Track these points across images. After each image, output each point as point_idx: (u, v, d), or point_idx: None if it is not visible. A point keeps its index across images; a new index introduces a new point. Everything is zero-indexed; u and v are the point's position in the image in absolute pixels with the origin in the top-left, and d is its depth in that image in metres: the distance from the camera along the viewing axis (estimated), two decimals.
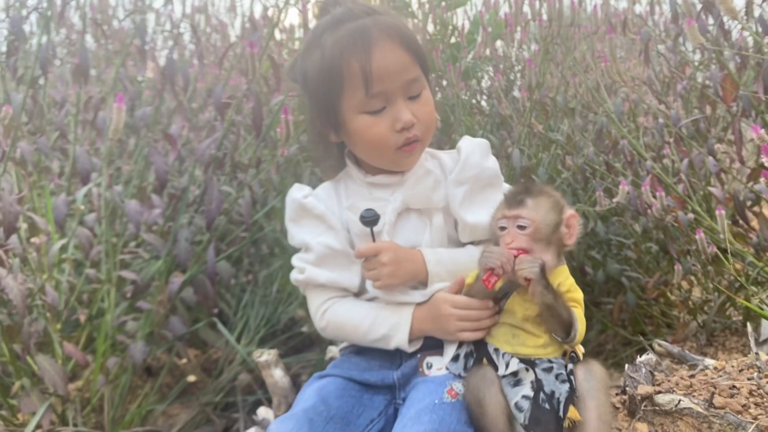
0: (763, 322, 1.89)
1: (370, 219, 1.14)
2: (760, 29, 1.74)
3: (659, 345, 1.58)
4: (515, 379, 1.03)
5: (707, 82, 2.11)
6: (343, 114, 1.18)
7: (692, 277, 2.31)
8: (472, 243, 1.23)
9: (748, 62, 1.81)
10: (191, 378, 2.04)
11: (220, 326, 1.84)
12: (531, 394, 1.00)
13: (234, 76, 2.16)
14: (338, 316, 1.23)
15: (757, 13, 1.71)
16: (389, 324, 1.17)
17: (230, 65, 2.09)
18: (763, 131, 1.20)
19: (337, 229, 1.23)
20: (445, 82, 2.56)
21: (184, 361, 2.10)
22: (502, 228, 1.08)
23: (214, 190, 1.74)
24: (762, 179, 1.22)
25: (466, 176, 1.20)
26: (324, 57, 1.17)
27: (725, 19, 1.82)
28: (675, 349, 1.56)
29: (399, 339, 1.16)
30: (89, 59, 1.66)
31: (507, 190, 1.15)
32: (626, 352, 2.40)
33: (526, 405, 1.00)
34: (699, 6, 1.72)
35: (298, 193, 1.27)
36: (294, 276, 1.26)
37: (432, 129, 1.22)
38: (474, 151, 1.23)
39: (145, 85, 2.56)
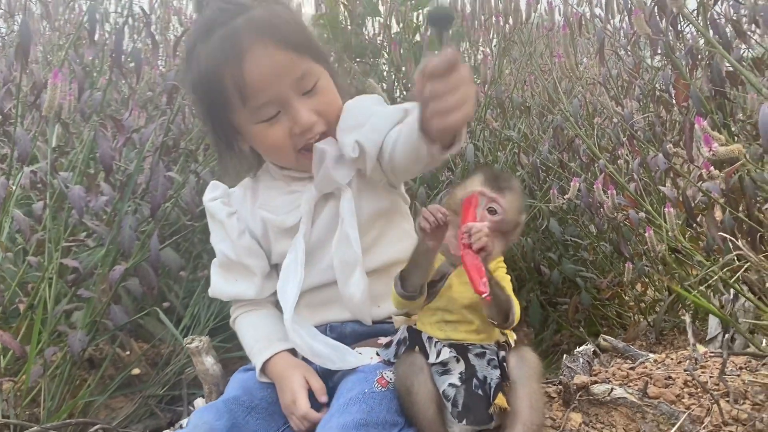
0: (710, 320, 1.90)
1: (439, 17, 0.84)
2: (710, 30, 1.76)
3: (604, 340, 1.58)
4: (444, 368, 1.00)
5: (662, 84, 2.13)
6: (239, 127, 1.14)
7: (645, 278, 2.33)
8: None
9: (700, 63, 1.84)
10: (136, 370, 1.99)
11: (162, 317, 1.79)
12: (458, 383, 0.98)
13: None
14: (238, 332, 1.24)
15: (708, 13, 1.73)
16: (255, 360, 1.16)
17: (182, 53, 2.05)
18: (705, 123, 1.21)
19: (233, 238, 1.20)
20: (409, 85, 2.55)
21: (129, 352, 2.04)
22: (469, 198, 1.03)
23: (160, 177, 1.70)
24: (704, 171, 1.22)
25: (351, 122, 1.10)
26: (200, 73, 1.10)
27: (679, 18, 1.84)
28: (620, 344, 1.56)
29: (257, 370, 1.15)
30: (30, 37, 1.61)
31: (485, 169, 1.09)
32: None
33: (452, 393, 0.97)
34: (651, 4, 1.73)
35: (208, 194, 1.25)
36: (210, 289, 1.27)
37: (336, 117, 1.13)
38: (362, 100, 1.14)
39: (100, 71, 2.51)
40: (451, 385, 0.98)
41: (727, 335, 1.41)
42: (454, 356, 1.00)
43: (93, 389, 1.82)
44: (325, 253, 1.14)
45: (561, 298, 2.56)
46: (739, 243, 1.11)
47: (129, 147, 2.09)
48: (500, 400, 0.97)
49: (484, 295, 0.91)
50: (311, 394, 1.08)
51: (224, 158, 1.23)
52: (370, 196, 1.15)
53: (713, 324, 1.90)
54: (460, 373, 0.99)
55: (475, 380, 0.98)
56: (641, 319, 2.24)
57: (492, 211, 1.04)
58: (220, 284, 1.24)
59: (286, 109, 1.09)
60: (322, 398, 1.06)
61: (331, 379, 1.11)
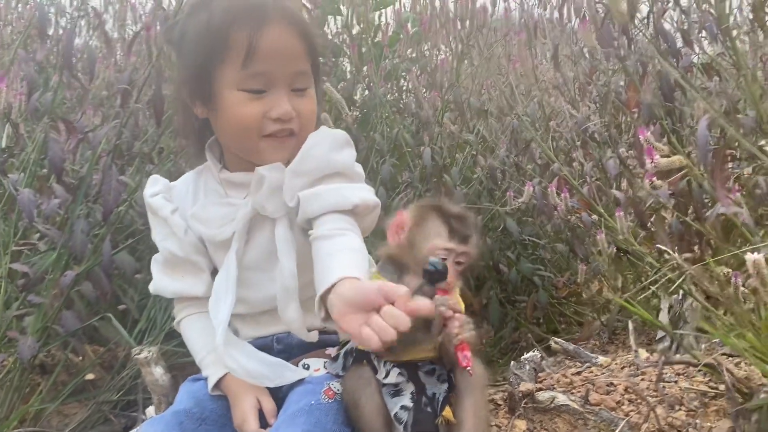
0: (660, 318, 1.95)
1: (435, 273, 0.94)
2: (661, 40, 1.80)
3: (555, 342, 1.62)
4: (395, 389, 1.01)
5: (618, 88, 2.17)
6: (217, 86, 1.09)
7: (602, 277, 2.38)
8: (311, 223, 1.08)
9: (651, 70, 1.88)
10: (90, 375, 1.96)
11: (115, 323, 1.77)
12: (410, 405, 0.99)
13: (144, 64, 2.09)
14: (185, 335, 1.22)
15: (657, 22, 1.77)
16: (207, 372, 1.15)
17: (137, 51, 2.02)
18: (650, 134, 1.24)
19: (179, 235, 1.16)
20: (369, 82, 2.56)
21: (82, 358, 2.01)
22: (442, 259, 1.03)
23: (112, 180, 1.68)
24: (647, 182, 1.25)
25: (304, 167, 1.09)
26: (211, 21, 1.08)
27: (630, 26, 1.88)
28: (570, 346, 1.59)
29: (210, 384, 1.14)
30: None
31: (445, 212, 1.07)
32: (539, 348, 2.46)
33: (404, 417, 0.99)
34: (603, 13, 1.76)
35: (149, 189, 1.21)
36: (150, 285, 1.23)
37: (310, 129, 1.13)
38: (321, 142, 1.11)
39: (54, 68, 2.46)
40: (403, 407, 0.99)
41: (666, 343, 1.45)
42: (405, 379, 1.02)
43: (45, 396, 1.79)
44: (264, 273, 1.12)
45: (519, 297, 2.59)
46: (676, 254, 1.14)
47: (84, 146, 2.05)
48: (447, 413, 0.99)
49: (468, 369, 0.95)
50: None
51: (178, 124, 1.22)
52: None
53: (663, 322, 1.96)
54: (412, 393, 1.01)
55: (424, 398, 1.00)
56: (595, 319, 2.29)
57: (460, 263, 1.04)
58: (165, 281, 1.20)
59: (273, 91, 1.08)
60: (272, 420, 1.06)
61: (281, 390, 1.10)
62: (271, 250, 1.10)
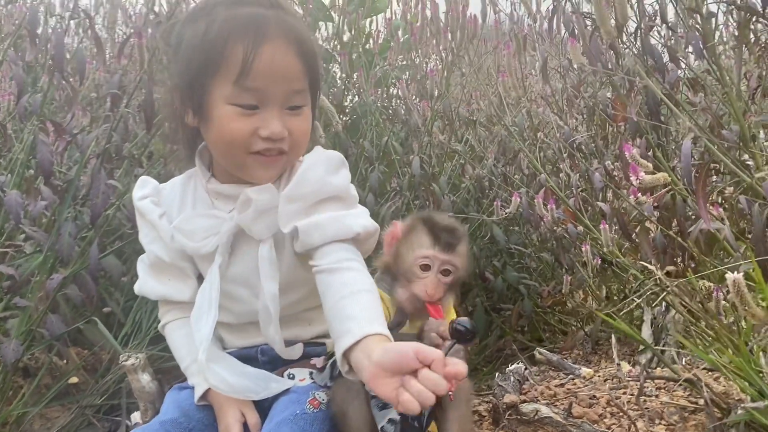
0: (644, 330, 1.98)
1: (465, 333, 0.90)
2: (647, 57, 1.82)
3: (540, 353, 1.63)
4: (383, 402, 1.02)
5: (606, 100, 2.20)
6: (209, 97, 1.06)
7: (587, 288, 2.41)
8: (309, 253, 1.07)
9: (637, 84, 1.90)
10: (73, 379, 1.95)
11: (102, 327, 1.76)
12: (397, 418, 1.00)
13: (134, 67, 2.09)
14: (170, 341, 1.21)
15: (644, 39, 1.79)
16: (193, 381, 1.15)
17: (127, 54, 2.02)
18: (635, 151, 1.26)
19: (166, 240, 1.14)
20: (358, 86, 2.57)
21: (66, 361, 2.00)
22: (425, 267, 1.05)
23: (101, 184, 1.67)
24: (632, 198, 1.27)
25: (300, 192, 1.07)
26: (209, 31, 1.05)
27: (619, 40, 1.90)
28: (554, 357, 1.61)
29: (197, 395, 1.14)
30: None
31: (433, 223, 1.08)
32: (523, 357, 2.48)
33: (392, 430, 1.00)
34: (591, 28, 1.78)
35: (138, 191, 1.19)
36: (136, 285, 1.22)
37: (301, 148, 1.11)
38: (316, 164, 1.10)
39: (42, 68, 2.45)
40: (390, 421, 1.00)
41: (648, 355, 1.47)
42: None
43: (28, 399, 1.78)
44: (248, 289, 1.11)
45: (505, 305, 2.61)
46: (657, 271, 1.16)
47: (72, 147, 2.04)
48: (432, 427, 1.00)
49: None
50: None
51: (168, 130, 1.20)
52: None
53: (646, 334, 1.98)
54: None
55: None
56: (578, 329, 2.31)
57: (446, 273, 1.06)
58: (151, 283, 1.19)
59: (266, 108, 1.05)
60: None
61: (266, 400, 1.10)
62: (255, 265, 1.09)
